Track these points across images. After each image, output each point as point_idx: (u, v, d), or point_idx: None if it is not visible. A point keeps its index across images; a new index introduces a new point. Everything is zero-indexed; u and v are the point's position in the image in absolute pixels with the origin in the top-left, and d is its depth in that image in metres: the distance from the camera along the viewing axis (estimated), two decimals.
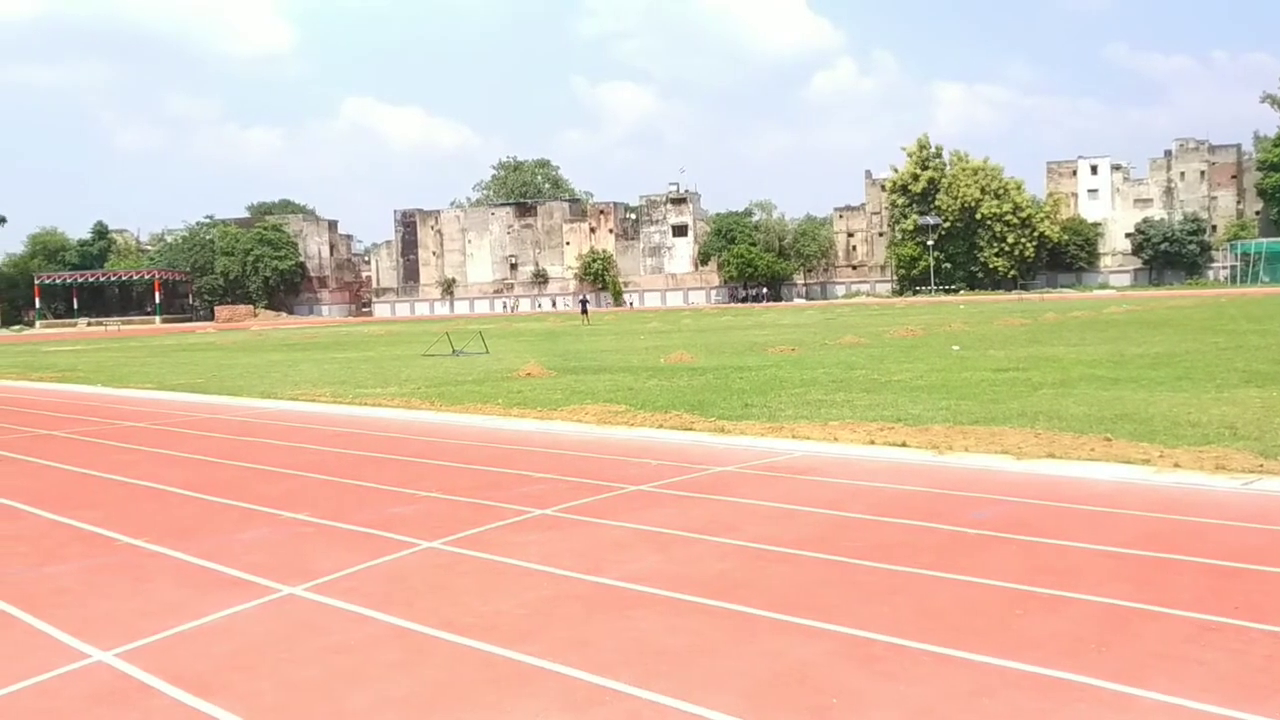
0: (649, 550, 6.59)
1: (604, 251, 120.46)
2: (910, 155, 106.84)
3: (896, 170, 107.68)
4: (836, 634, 4.88)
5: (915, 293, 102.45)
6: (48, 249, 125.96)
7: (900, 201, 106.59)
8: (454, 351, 29.73)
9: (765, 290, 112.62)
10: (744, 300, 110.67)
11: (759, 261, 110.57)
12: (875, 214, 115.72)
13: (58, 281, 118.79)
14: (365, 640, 5.02)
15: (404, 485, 9.18)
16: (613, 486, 8.73)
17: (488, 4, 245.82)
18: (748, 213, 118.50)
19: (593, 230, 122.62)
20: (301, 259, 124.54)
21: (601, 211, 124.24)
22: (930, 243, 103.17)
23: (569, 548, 6.70)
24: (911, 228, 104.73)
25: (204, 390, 20.66)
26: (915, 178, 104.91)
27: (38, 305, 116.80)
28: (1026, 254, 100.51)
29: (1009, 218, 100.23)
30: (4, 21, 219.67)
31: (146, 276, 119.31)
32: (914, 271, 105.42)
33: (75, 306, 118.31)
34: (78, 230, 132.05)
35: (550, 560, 6.36)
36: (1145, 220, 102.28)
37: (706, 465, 9.64)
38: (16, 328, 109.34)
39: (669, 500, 8.16)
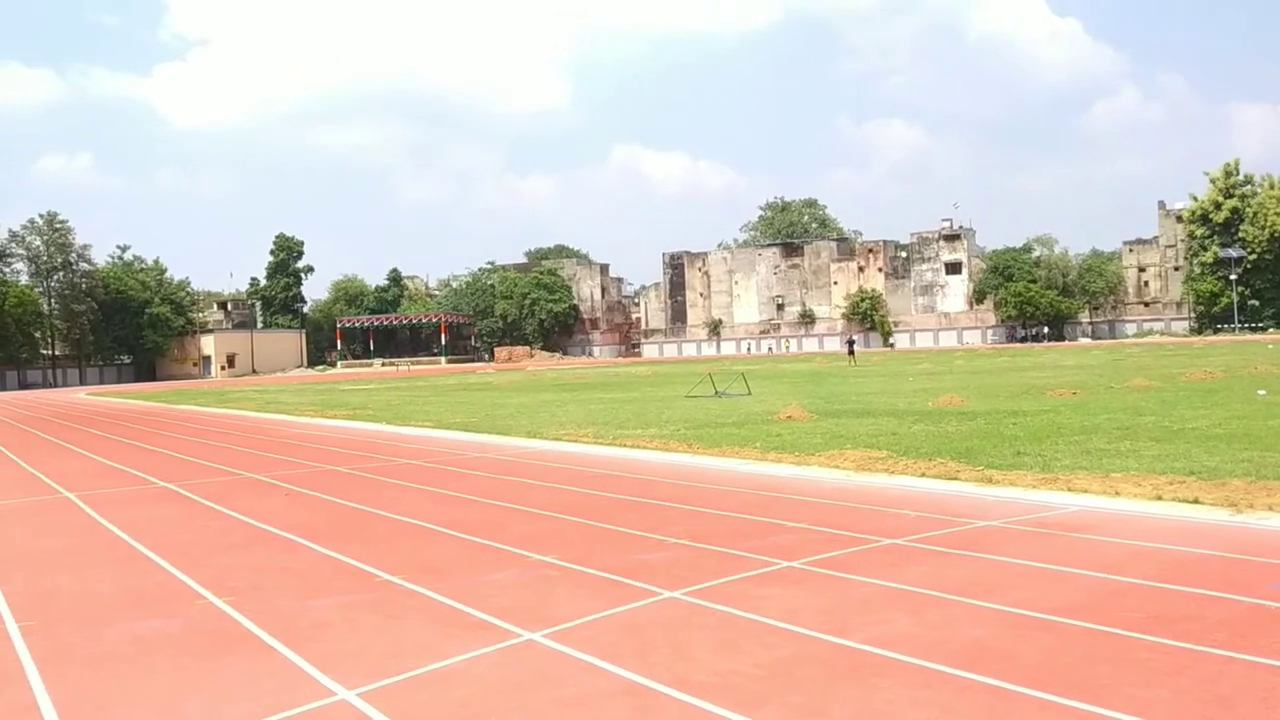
0: (899, 611, 6.21)
1: (873, 291, 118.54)
2: (1214, 181, 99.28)
3: (1196, 199, 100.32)
4: (1105, 718, 4.37)
5: (1216, 331, 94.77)
6: (348, 295, 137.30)
7: (1199, 233, 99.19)
8: (716, 393, 29.84)
9: (1046, 329, 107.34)
10: (1023, 340, 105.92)
11: (1040, 299, 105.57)
12: (1170, 247, 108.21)
13: (356, 325, 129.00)
14: (595, 694, 4.94)
15: (653, 530, 9.15)
16: (866, 539, 8.36)
17: (749, 49, 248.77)
18: (1026, 249, 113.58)
19: (861, 269, 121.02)
20: (575, 301, 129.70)
21: (870, 250, 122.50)
22: (1233, 277, 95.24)
23: (814, 604, 6.42)
24: (1212, 260, 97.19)
25: (476, 429, 21.62)
26: (1217, 206, 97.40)
27: (339, 347, 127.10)
28: None
29: None
30: (312, 91, 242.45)
31: (434, 320, 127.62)
32: (1215, 308, 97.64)
33: (371, 347, 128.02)
34: (375, 277, 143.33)
35: (793, 618, 6.10)
36: None
37: (969, 519, 9.09)
38: (320, 368, 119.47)
39: (925, 556, 7.71)
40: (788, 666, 5.26)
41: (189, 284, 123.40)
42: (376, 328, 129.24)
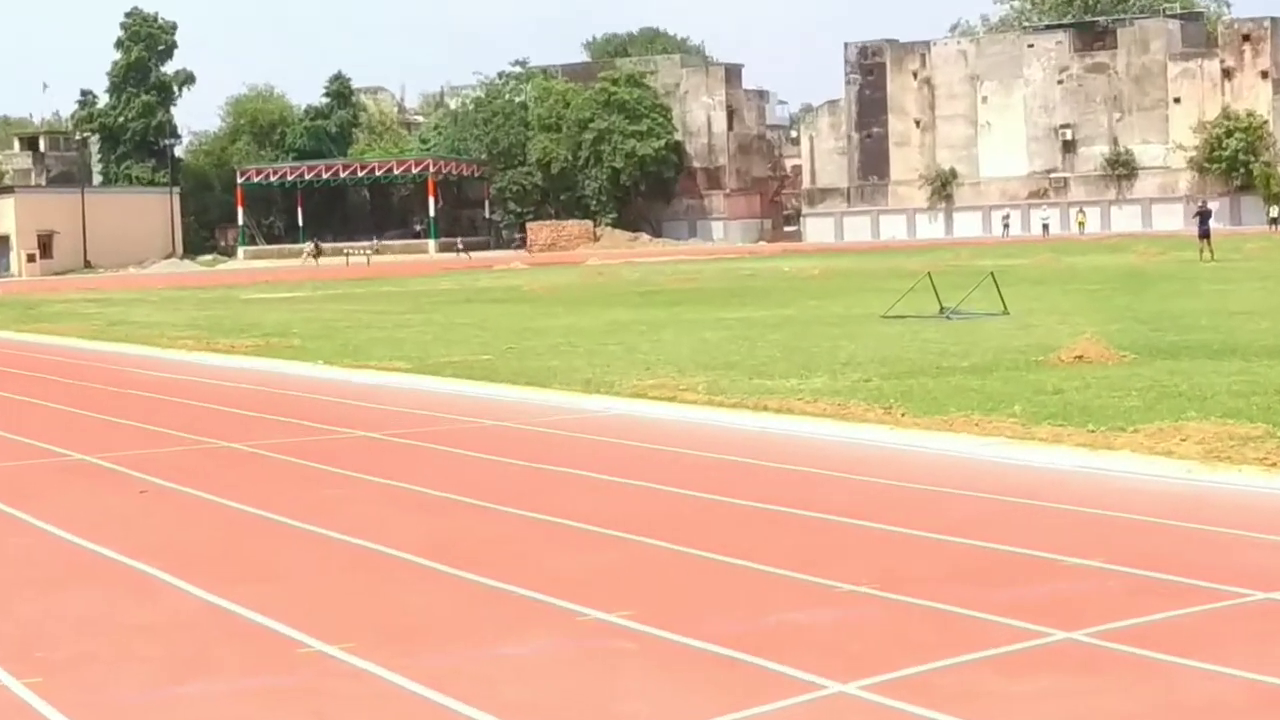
0: None
1: (1248, 116, 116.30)
2: None
3: None
4: None
5: None
6: (257, 125, 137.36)
7: None
8: (942, 311, 29.71)
9: None
10: None
11: None
12: None
13: (272, 180, 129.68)
14: None
15: (811, 568, 9.18)
16: (1215, 590, 8.30)
17: None
18: None
19: (1226, 74, 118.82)
20: (677, 136, 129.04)
21: (1245, 37, 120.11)
22: None
23: (1111, 711, 6.41)
24: None
25: (489, 377, 21.80)
26: None
27: (240, 219, 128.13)
28: None
29: None
30: None
31: (413, 170, 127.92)
32: None
33: (300, 222, 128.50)
34: (306, 91, 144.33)
35: None
36: None
37: None
38: (208, 258, 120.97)
39: None
40: None
41: None
42: (307, 184, 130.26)
